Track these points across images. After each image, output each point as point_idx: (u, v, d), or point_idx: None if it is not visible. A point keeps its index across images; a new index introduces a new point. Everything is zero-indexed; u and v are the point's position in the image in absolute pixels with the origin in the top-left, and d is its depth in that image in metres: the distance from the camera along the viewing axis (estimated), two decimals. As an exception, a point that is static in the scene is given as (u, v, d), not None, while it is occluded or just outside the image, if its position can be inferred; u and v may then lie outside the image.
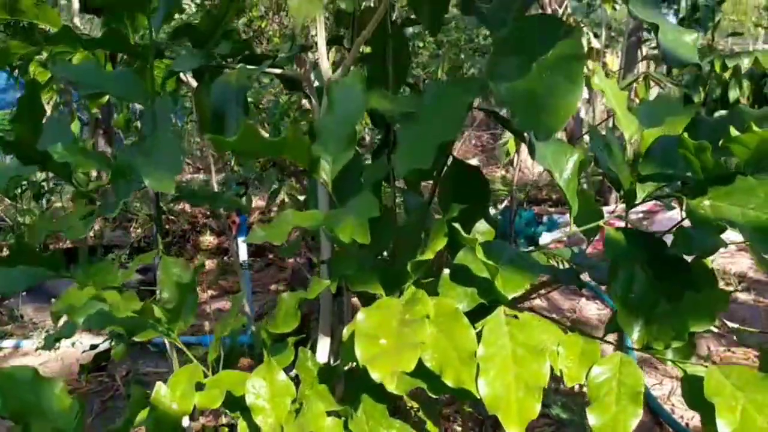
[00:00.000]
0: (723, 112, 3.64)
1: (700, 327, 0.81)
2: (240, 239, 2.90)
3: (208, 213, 4.65)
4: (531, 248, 3.65)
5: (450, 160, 1.16)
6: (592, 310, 3.22)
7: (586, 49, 6.85)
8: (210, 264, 4.19)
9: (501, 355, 0.81)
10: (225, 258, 4.26)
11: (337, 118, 0.96)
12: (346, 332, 0.91)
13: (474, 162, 9.78)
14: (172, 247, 4.33)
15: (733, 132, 0.78)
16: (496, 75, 0.91)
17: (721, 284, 3.37)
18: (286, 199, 4.06)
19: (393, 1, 1.19)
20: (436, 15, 1.16)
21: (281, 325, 0.90)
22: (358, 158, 1.05)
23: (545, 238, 4.21)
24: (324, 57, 1.27)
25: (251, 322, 2.96)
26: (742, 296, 3.27)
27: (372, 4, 1.47)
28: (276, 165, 3.87)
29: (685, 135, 0.84)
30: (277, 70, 1.39)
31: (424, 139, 0.91)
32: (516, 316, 0.92)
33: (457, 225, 0.85)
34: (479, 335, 0.86)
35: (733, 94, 5.06)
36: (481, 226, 1.15)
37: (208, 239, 4.57)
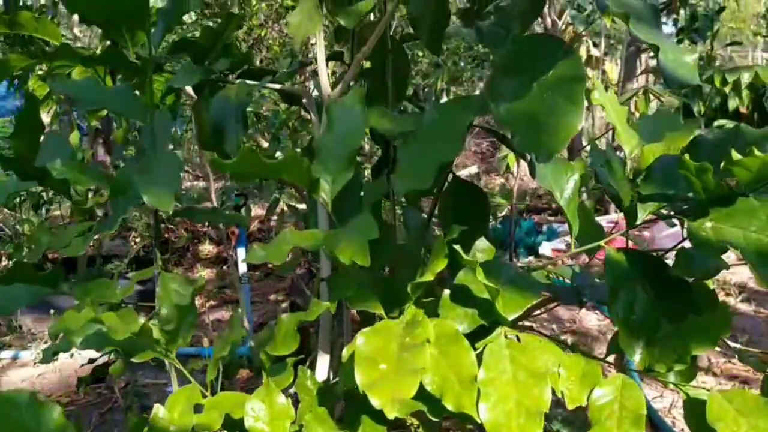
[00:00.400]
0: (723, 121, 3.70)
1: (702, 350, 0.81)
2: (239, 250, 2.90)
3: (207, 222, 4.64)
4: (531, 258, 3.65)
5: (450, 177, 1.16)
6: (593, 320, 3.21)
7: (585, 57, 6.86)
8: (209, 273, 4.19)
9: (502, 379, 0.81)
10: (224, 267, 4.25)
11: (336, 137, 0.96)
12: (345, 353, 0.90)
13: (474, 169, 9.79)
14: (171, 257, 4.32)
15: (735, 155, 0.77)
16: (496, 95, 0.90)
17: (721, 295, 3.36)
18: (285, 209, 4.07)
19: (394, 11, 1.19)
20: (435, 33, 1.16)
21: (280, 347, 0.89)
22: (358, 176, 1.04)
23: (545, 247, 4.21)
24: (324, 73, 1.27)
25: (250, 333, 2.96)
26: (743, 307, 3.26)
27: (372, 19, 1.47)
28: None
29: (686, 156, 0.83)
30: (277, 86, 1.39)
31: (424, 159, 0.90)
32: (517, 337, 0.92)
33: (457, 246, 0.85)
34: (480, 357, 0.85)
35: (732, 103, 5.07)
36: (481, 243, 1.15)
37: (208, 248, 4.56)
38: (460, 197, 1.14)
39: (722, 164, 0.80)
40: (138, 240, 4.18)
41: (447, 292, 0.91)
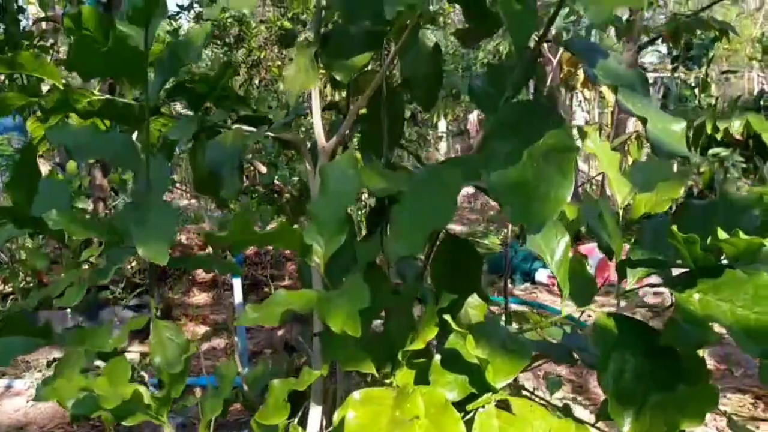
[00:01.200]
0: (718, 149, 3.68)
1: (691, 425, 0.81)
2: (234, 280, 2.91)
3: (203, 245, 4.66)
4: (527, 284, 3.64)
5: (443, 233, 1.16)
6: (588, 350, 3.20)
7: (582, 79, 6.91)
8: (206, 298, 4.18)
9: (491, 452, 0.81)
10: (220, 291, 4.25)
11: (330, 200, 0.97)
12: (336, 418, 0.91)
13: (470, 190, 9.78)
14: (167, 280, 4.32)
15: (721, 234, 0.78)
16: (487, 162, 0.91)
17: (717, 326, 3.36)
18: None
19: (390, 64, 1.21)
20: (429, 91, 1.17)
21: (271, 416, 0.89)
22: (352, 233, 1.05)
23: (541, 274, 4.21)
24: (318, 124, 1.29)
25: (245, 362, 2.95)
26: (738, 337, 3.26)
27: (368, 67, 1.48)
28: (272, 204, 3.90)
29: (674, 228, 0.84)
30: (272, 134, 1.40)
31: (415, 226, 0.91)
32: (507, 401, 0.92)
33: (447, 316, 0.85)
34: (469, 424, 0.86)
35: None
36: (473, 300, 1.16)
37: (204, 272, 4.56)
38: (453, 254, 1.14)
39: (709, 240, 0.81)
40: (134, 263, 4.18)
41: (438, 357, 0.92)
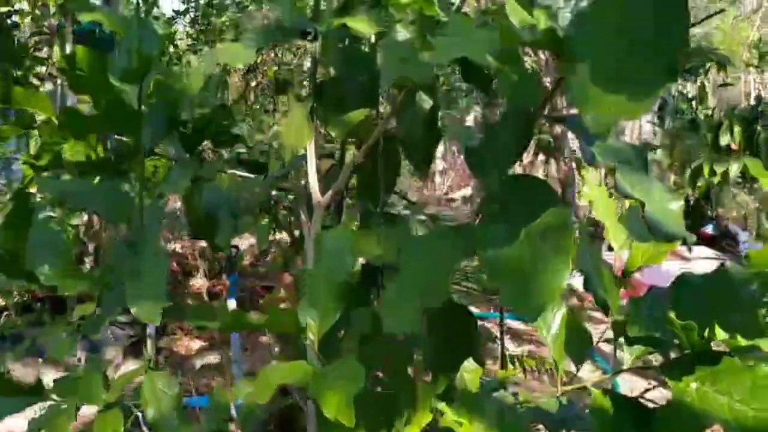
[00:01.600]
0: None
1: None
2: (230, 301, 2.91)
3: (198, 255, 4.65)
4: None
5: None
6: (583, 370, 3.21)
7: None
8: (200, 310, 4.17)
9: None
10: (214, 303, 4.24)
11: (324, 273, 0.96)
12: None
13: (468, 192, 9.77)
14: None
15: (719, 334, 0.78)
16: (484, 239, 0.90)
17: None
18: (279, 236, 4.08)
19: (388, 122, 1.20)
20: (425, 154, 1.17)
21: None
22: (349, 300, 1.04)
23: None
24: (314, 179, 1.27)
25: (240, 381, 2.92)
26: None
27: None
28: (269, 211, 3.88)
29: (672, 315, 0.84)
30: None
31: (409, 305, 0.90)
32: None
33: (441, 404, 0.85)
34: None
35: (724, 139, 5.12)
36: (469, 364, 1.15)
37: (199, 282, 4.55)
38: (448, 320, 1.13)
39: (706, 332, 0.81)
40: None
41: (433, 438, 0.91)
